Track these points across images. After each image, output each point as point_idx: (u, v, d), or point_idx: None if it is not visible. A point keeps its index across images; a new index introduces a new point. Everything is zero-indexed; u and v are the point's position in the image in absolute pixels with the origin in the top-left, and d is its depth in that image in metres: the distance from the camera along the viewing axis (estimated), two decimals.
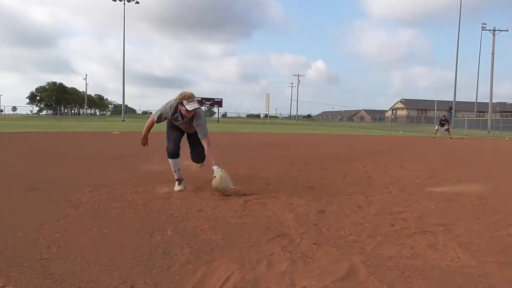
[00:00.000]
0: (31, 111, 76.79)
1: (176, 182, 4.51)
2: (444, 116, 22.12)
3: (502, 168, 7.71)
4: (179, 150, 4.49)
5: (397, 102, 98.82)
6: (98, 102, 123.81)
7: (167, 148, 4.47)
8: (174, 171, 4.49)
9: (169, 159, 4.45)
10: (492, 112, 41.86)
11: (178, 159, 4.46)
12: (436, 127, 21.71)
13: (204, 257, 2.42)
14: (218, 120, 53.78)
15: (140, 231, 2.93)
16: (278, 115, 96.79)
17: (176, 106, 4.28)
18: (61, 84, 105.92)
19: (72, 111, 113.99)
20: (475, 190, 4.91)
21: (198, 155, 4.58)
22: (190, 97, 4.19)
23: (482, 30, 43.56)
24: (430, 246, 2.71)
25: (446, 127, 21.15)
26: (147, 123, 4.57)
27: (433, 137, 20.75)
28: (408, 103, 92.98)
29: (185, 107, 4.15)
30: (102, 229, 2.94)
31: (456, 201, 4.23)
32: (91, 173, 5.61)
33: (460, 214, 3.66)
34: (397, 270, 2.27)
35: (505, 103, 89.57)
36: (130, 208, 3.62)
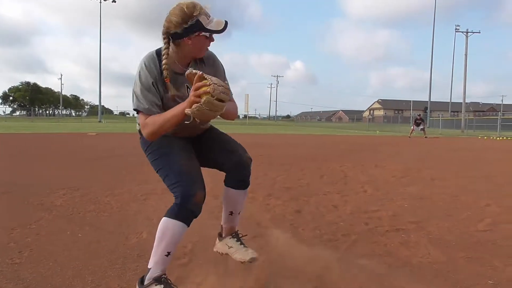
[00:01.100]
0: (4, 112, 75.05)
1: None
2: (419, 116, 22.61)
3: (474, 166, 7.94)
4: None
5: (374, 102, 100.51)
6: (74, 102, 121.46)
7: (184, 198, 1.95)
8: (167, 247, 1.94)
9: (176, 222, 1.98)
10: (466, 111, 43.03)
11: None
12: (412, 127, 22.18)
13: (179, 260, 2.42)
14: None
15: (115, 234, 2.90)
16: (257, 115, 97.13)
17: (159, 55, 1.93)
18: (35, 84, 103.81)
19: (47, 112, 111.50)
20: (448, 188, 5.04)
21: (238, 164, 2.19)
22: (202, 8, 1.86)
23: (456, 32, 44.74)
24: (403, 244, 2.77)
25: (421, 126, 21.65)
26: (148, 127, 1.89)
27: (409, 137, 21.17)
28: (385, 103, 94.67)
29: (208, 29, 1.85)
30: (76, 233, 2.89)
31: (429, 199, 4.34)
32: (66, 176, 5.51)
33: (432, 212, 3.76)
34: (370, 268, 2.31)
35: (478, 103, 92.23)
36: (106, 211, 3.57)
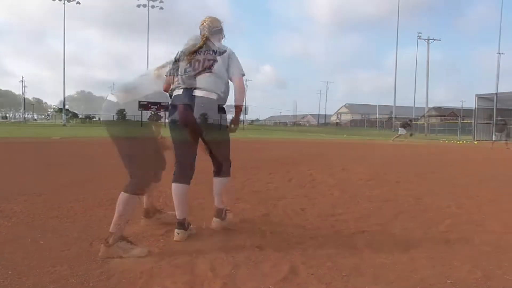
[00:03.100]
0: None
1: (177, 225, 2.87)
2: (410, 120, 22.76)
3: (437, 169, 8.22)
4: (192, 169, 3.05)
5: (342, 106, 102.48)
6: (37, 105, 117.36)
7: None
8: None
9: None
10: (428, 116, 44.58)
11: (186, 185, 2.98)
12: (400, 132, 21.54)
13: (146, 265, 2.38)
14: (165, 125, 52.78)
15: (79, 240, 2.82)
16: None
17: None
18: None
19: (7, 115, 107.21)
20: (412, 190, 5.20)
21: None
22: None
23: (418, 39, 46.46)
24: (368, 245, 2.84)
25: (409, 132, 21.64)
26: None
27: (392, 140, 21.34)
28: (352, 108, 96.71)
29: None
30: (37, 240, 2.79)
31: (394, 201, 4.46)
32: (27, 181, 5.31)
33: (396, 214, 3.86)
34: (336, 269, 2.36)
35: (440, 107, 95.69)
36: (69, 217, 3.47)
